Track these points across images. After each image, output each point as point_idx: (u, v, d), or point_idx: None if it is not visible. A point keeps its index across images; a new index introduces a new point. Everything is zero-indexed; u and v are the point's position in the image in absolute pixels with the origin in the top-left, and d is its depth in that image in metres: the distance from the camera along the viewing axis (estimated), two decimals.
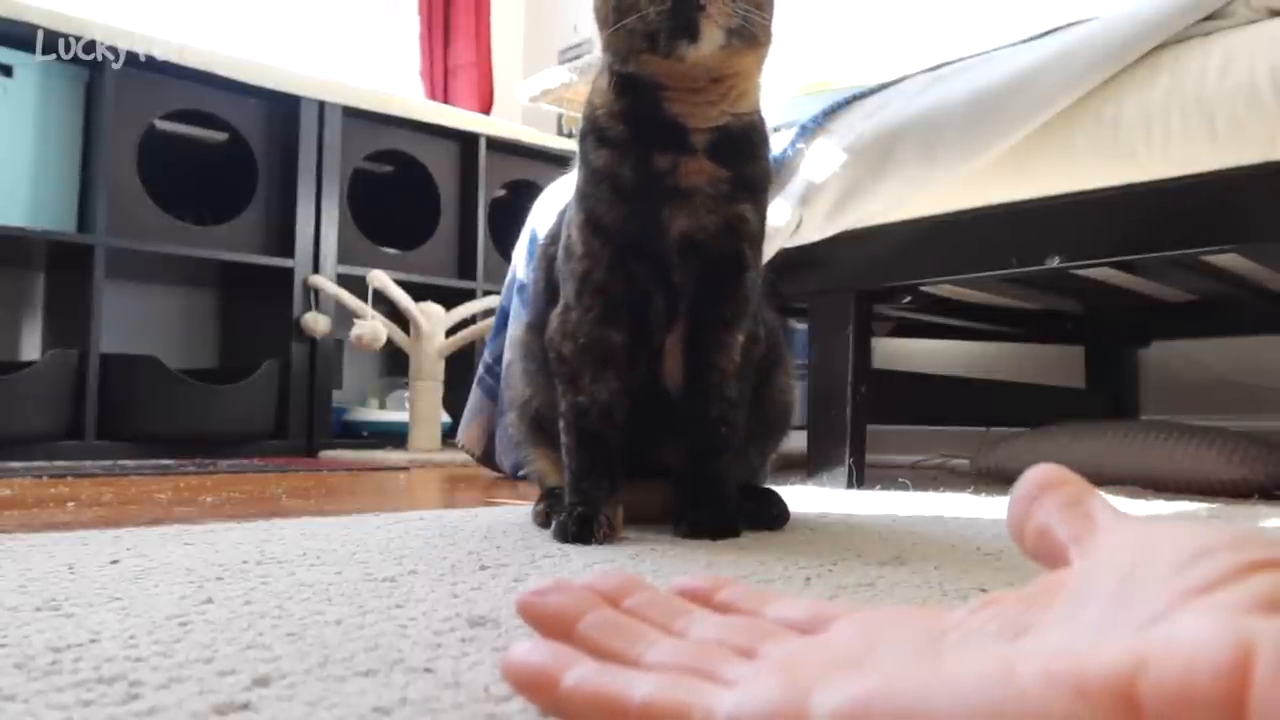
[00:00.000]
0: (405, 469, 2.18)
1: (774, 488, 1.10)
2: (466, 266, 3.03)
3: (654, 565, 0.76)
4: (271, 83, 2.67)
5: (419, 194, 3.01)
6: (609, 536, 0.90)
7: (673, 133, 0.92)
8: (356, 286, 2.66)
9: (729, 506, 0.97)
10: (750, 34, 0.89)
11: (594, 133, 0.96)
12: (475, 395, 1.91)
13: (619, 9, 0.89)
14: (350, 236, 2.83)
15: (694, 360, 0.97)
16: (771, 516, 1.03)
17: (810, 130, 1.62)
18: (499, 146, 3.10)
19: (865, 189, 1.55)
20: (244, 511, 1.21)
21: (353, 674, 0.44)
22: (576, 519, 0.90)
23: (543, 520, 1.03)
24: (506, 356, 1.55)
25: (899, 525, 1.10)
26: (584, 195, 0.96)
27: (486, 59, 3.69)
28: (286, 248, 2.71)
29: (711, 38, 0.87)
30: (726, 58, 0.89)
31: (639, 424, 0.98)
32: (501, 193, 3.19)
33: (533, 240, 1.83)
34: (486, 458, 1.89)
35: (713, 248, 0.94)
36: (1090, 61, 1.35)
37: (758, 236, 0.98)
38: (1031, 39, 1.50)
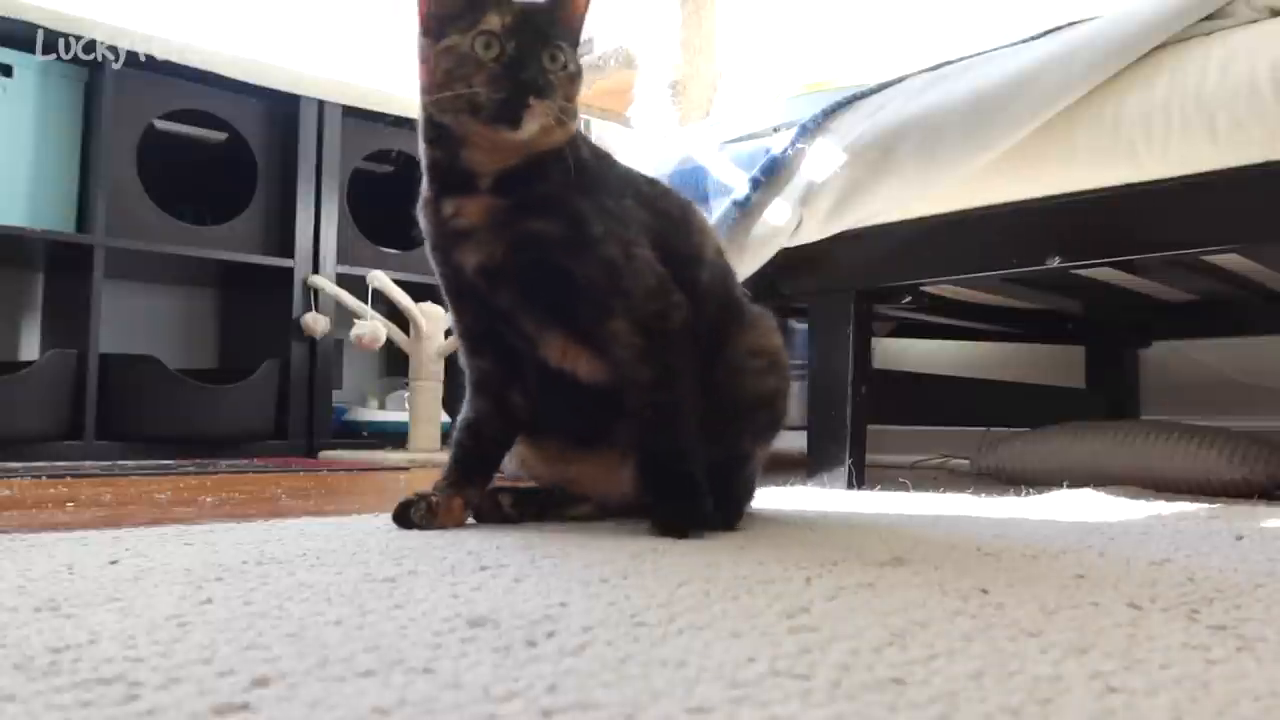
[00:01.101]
0: (405, 469, 2.18)
1: (767, 487, 1.10)
2: None
3: (654, 565, 0.76)
4: (271, 82, 2.67)
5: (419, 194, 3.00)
6: (426, 520, 0.99)
7: (463, 178, 0.98)
8: (356, 286, 2.66)
9: (694, 497, 0.97)
10: (563, 122, 0.95)
11: (420, 194, 1.03)
12: None
13: (451, 73, 0.93)
14: (350, 236, 2.83)
15: (597, 358, 0.99)
16: (719, 519, 1.00)
17: (810, 130, 1.62)
18: None
19: (865, 189, 1.55)
20: (244, 511, 1.21)
21: (353, 674, 0.44)
22: (402, 504, 1.01)
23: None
24: None
25: (899, 525, 1.10)
26: None
27: None
28: (286, 248, 2.70)
29: (530, 129, 0.93)
30: (540, 136, 0.94)
31: (580, 414, 1.04)
32: None
33: None
34: None
35: (513, 264, 0.97)
36: (1091, 61, 1.35)
37: (571, 241, 0.96)
38: (1032, 39, 1.50)
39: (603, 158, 1.05)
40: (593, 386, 1.00)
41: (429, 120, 0.98)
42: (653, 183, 1.12)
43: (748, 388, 1.07)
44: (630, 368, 0.97)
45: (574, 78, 0.96)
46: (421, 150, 1.02)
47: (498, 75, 0.91)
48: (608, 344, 0.98)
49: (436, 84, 0.95)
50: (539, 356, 1.01)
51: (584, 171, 0.99)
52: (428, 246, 1.04)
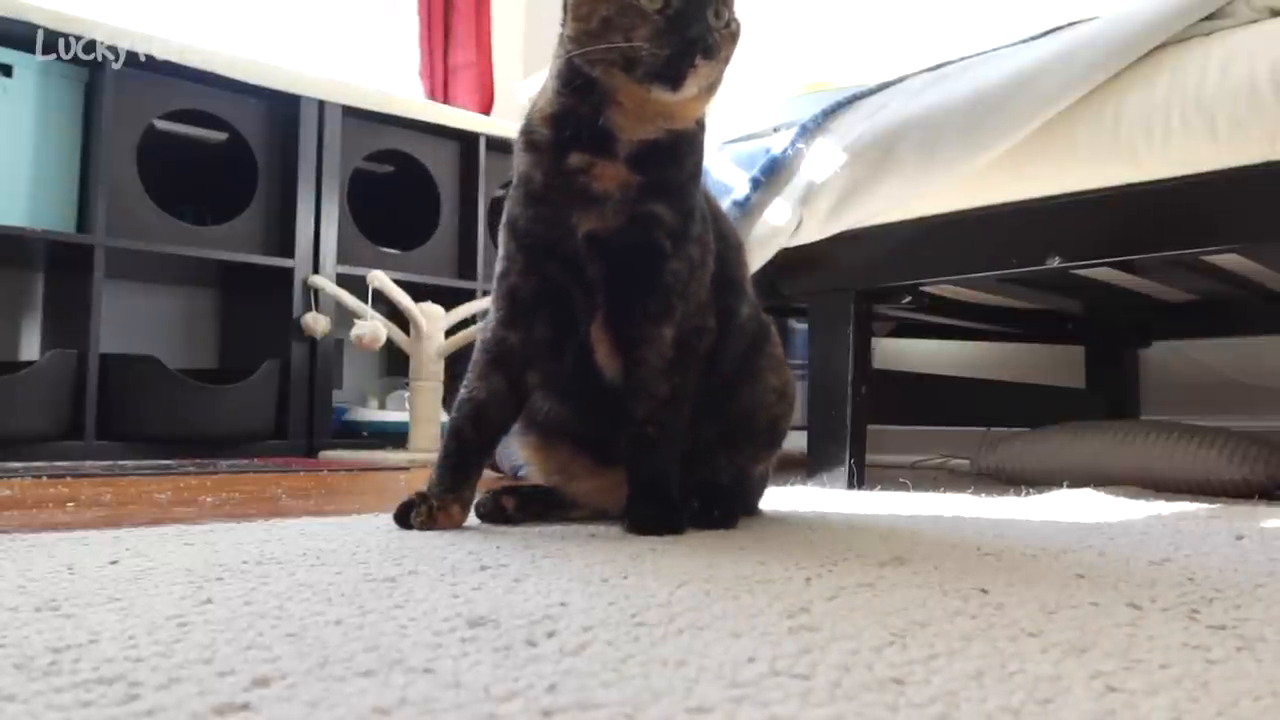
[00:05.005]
0: (405, 469, 2.18)
1: (768, 487, 1.10)
2: (466, 266, 3.03)
3: (654, 565, 0.77)
4: (271, 82, 2.66)
5: (419, 194, 3.00)
6: (426, 524, 0.97)
7: (600, 137, 0.92)
8: (356, 286, 2.66)
9: (669, 505, 0.98)
10: (713, 89, 0.93)
11: (524, 134, 0.97)
12: None
13: (609, 21, 0.87)
14: (350, 236, 2.82)
15: (623, 355, 0.98)
16: (712, 519, 1.02)
17: (810, 130, 1.62)
18: (499, 146, 3.10)
19: (865, 189, 1.55)
20: (244, 511, 1.21)
21: (353, 674, 0.44)
22: (403, 505, 0.98)
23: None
24: None
25: (899, 525, 1.10)
26: (510, 198, 0.99)
27: (486, 59, 3.68)
28: (286, 248, 2.70)
29: (689, 91, 0.89)
30: (689, 100, 0.91)
31: (591, 414, 1.02)
32: (501, 193, 3.19)
33: None
34: None
35: (621, 240, 0.94)
36: (1091, 61, 1.35)
37: (678, 231, 0.96)
38: (1032, 39, 1.50)
39: None
40: (612, 387, 0.99)
41: (574, 69, 0.91)
42: (708, 197, 1.08)
43: (762, 420, 1.10)
44: (653, 377, 0.97)
45: (735, 37, 0.91)
46: (550, 94, 0.95)
47: (663, 29, 0.86)
48: (647, 344, 0.96)
49: (590, 33, 0.88)
50: (586, 334, 0.98)
51: (701, 158, 0.98)
52: (522, 193, 0.96)
